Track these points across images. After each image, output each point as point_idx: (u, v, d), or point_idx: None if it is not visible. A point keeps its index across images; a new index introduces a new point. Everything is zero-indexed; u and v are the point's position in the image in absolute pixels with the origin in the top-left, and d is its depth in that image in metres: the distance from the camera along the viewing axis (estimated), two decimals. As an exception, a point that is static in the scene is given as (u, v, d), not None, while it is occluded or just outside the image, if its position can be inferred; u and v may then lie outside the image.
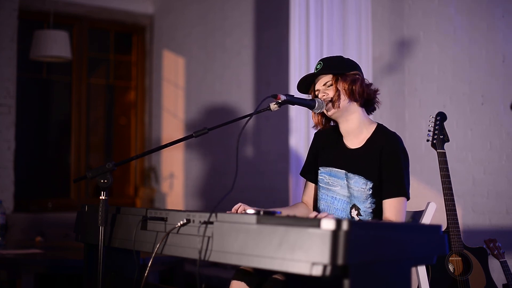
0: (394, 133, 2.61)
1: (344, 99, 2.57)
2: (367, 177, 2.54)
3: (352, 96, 2.57)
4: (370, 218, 2.54)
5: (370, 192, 2.54)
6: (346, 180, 2.59)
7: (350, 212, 2.58)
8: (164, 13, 6.94)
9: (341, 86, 2.57)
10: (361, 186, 2.55)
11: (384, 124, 2.68)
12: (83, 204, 2.70)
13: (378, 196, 2.54)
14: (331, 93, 2.58)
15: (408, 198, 2.54)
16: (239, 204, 2.54)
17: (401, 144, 2.56)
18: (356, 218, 2.56)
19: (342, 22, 4.48)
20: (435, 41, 4.40)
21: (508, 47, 4.00)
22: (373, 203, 2.54)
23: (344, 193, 2.60)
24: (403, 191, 2.50)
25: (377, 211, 2.54)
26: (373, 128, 2.63)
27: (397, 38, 4.61)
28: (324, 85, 2.61)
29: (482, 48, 4.13)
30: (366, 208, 2.55)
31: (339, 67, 2.60)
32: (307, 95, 2.73)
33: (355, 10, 4.44)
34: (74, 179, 4.29)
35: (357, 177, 2.56)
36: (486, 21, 4.11)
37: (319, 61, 2.65)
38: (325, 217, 2.26)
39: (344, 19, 4.48)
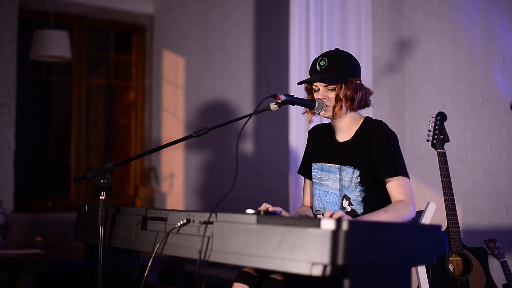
0: (379, 120, 2.65)
1: (343, 107, 2.58)
2: (356, 166, 2.57)
3: (352, 105, 2.59)
4: (361, 207, 2.55)
5: (358, 180, 2.56)
6: (339, 174, 2.61)
7: (342, 203, 2.59)
8: (164, 13, 6.94)
9: (343, 94, 2.57)
10: (350, 176, 2.57)
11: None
12: (83, 204, 2.70)
13: (366, 183, 2.56)
14: (331, 96, 2.58)
15: (408, 178, 2.56)
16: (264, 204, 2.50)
17: (387, 127, 2.60)
18: (348, 208, 2.57)
19: (342, 22, 4.48)
20: (435, 41, 4.40)
21: (508, 47, 4.00)
22: (362, 191, 2.56)
23: (335, 186, 2.62)
24: (402, 171, 2.52)
25: (367, 199, 2.56)
26: (361, 121, 2.67)
27: (397, 38, 4.61)
28: (325, 86, 2.59)
29: (482, 48, 4.13)
30: (355, 197, 2.56)
31: (344, 73, 2.57)
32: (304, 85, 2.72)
33: (355, 10, 4.44)
34: (74, 179, 4.31)
35: (348, 168, 2.59)
36: (486, 21, 4.11)
37: (323, 56, 2.60)
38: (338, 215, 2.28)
39: (344, 19, 4.48)
